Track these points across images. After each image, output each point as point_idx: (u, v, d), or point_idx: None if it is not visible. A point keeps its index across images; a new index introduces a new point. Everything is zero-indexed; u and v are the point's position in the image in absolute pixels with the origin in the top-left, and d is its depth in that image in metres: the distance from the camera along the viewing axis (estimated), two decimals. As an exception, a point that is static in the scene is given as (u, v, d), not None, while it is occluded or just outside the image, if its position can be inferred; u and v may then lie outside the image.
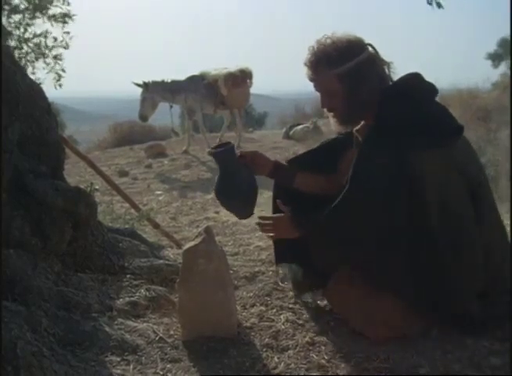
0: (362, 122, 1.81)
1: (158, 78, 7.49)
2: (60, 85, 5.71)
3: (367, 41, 1.74)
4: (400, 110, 1.66)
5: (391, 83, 1.75)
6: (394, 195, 1.62)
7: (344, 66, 1.68)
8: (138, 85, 7.36)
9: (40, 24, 5.70)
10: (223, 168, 1.82)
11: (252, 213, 1.86)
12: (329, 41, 1.71)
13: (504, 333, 1.70)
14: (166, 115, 7.90)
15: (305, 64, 1.75)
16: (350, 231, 1.68)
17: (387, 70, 1.75)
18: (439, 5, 3.31)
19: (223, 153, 1.79)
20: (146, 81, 7.37)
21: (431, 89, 1.74)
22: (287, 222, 1.75)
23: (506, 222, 3.59)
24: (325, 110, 1.81)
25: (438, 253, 1.66)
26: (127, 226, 2.93)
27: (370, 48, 1.73)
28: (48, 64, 5.62)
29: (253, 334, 1.75)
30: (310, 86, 1.80)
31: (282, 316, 1.87)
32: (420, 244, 1.65)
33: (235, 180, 1.79)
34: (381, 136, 1.64)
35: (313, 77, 1.75)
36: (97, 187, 3.24)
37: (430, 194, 1.63)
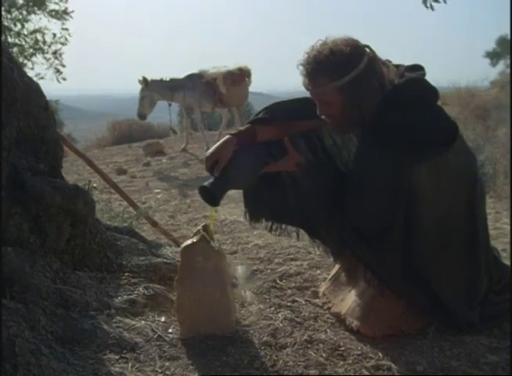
0: None
1: (157, 77, 7.49)
2: (64, 78, 5.70)
3: (365, 41, 1.66)
4: (396, 119, 1.60)
5: (390, 86, 1.65)
6: (392, 200, 1.63)
7: (344, 78, 1.59)
8: (145, 82, 7.31)
9: (38, 20, 5.69)
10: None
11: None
12: (326, 49, 1.60)
13: (502, 330, 1.71)
14: (165, 113, 7.89)
15: (301, 74, 1.66)
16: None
17: (385, 70, 1.67)
18: (432, 8, 3.46)
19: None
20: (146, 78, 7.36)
21: (432, 94, 1.67)
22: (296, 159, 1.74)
23: (506, 220, 3.60)
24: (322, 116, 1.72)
25: (433, 260, 1.67)
26: (125, 224, 2.93)
27: (368, 50, 1.64)
28: (48, 60, 5.61)
29: (251, 332, 1.75)
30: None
31: (280, 314, 1.87)
32: (414, 245, 1.66)
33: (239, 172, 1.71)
34: (378, 145, 1.60)
35: (311, 88, 1.66)
36: (95, 185, 3.24)
37: (423, 202, 1.63)
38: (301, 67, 1.65)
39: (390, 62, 1.72)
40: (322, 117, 1.72)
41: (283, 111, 1.86)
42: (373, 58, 1.64)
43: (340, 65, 1.59)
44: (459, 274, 1.71)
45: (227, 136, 1.74)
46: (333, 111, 1.67)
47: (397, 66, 1.72)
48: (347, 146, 1.82)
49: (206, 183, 1.64)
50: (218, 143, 1.72)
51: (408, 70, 1.70)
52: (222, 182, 1.67)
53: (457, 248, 1.70)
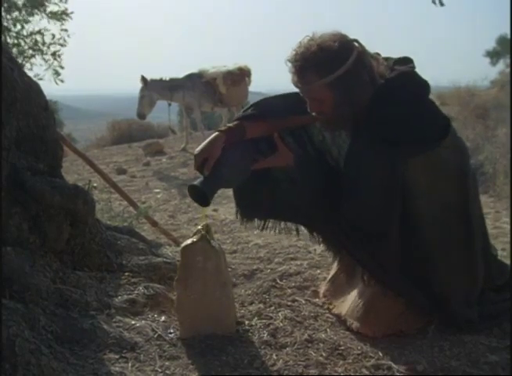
0: None
1: (157, 76, 7.48)
2: (62, 80, 5.69)
3: (365, 41, 1.63)
4: (389, 114, 1.57)
5: (382, 80, 1.63)
6: (387, 197, 1.62)
7: (333, 74, 1.56)
8: (144, 81, 7.31)
9: (37, 21, 5.68)
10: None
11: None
12: (314, 45, 1.56)
13: (502, 330, 1.71)
14: (164, 113, 7.89)
15: (290, 71, 1.63)
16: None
17: (375, 64, 1.63)
18: (442, 3, 3.40)
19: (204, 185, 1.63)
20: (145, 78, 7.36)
21: (423, 87, 1.65)
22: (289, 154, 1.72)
23: (506, 219, 3.61)
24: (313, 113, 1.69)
25: (430, 257, 1.67)
26: (125, 224, 2.93)
27: (356, 44, 1.60)
28: (46, 61, 5.61)
29: (251, 331, 1.75)
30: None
31: (280, 314, 1.87)
32: (411, 244, 1.66)
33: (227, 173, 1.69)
34: (372, 141, 1.58)
35: (300, 85, 1.63)
36: (95, 185, 3.24)
37: (418, 199, 1.63)
38: (289, 64, 1.62)
39: (379, 55, 1.69)
40: (313, 113, 1.68)
41: (271, 107, 1.83)
42: (362, 52, 1.60)
43: (328, 61, 1.56)
44: (457, 273, 1.71)
45: (216, 133, 1.69)
46: (324, 108, 1.64)
47: (386, 59, 1.69)
48: (336, 143, 1.79)
49: (196, 182, 1.59)
50: (206, 140, 1.67)
51: (397, 63, 1.67)
52: (212, 180, 1.62)
53: (454, 246, 1.70)
